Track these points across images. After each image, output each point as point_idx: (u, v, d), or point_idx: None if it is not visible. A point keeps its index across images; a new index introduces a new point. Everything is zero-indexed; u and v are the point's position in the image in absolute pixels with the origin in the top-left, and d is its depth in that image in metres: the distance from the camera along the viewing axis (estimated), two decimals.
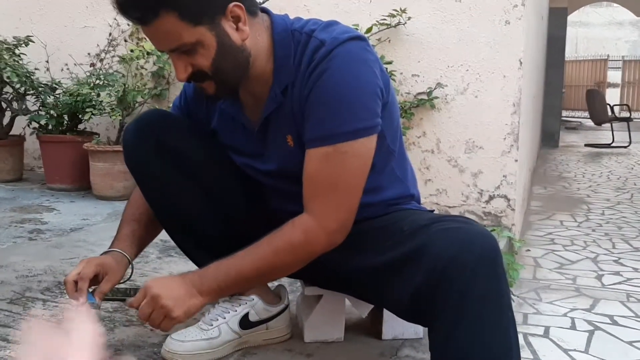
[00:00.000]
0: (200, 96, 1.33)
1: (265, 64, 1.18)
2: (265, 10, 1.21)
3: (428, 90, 2.86)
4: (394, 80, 2.89)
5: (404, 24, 2.86)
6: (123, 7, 1.06)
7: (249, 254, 1.16)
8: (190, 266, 1.84)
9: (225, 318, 1.37)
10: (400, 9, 2.83)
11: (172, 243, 1.49)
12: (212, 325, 1.36)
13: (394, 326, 1.48)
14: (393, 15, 2.84)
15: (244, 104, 1.27)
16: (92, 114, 3.16)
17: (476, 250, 1.00)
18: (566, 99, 13.27)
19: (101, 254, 1.40)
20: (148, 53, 3.24)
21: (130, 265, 1.41)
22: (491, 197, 2.82)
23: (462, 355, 1.00)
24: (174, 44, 1.09)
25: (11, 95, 3.45)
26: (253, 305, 1.39)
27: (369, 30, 2.87)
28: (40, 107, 3.39)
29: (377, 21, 2.87)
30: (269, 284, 1.47)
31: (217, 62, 1.11)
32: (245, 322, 1.39)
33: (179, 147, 1.30)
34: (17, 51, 3.43)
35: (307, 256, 1.17)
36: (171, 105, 1.46)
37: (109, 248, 1.40)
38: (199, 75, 1.13)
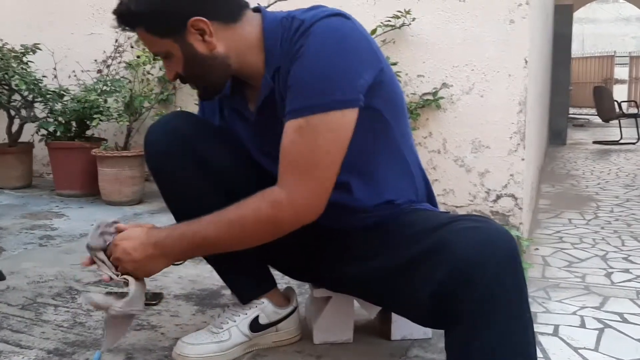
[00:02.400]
0: (214, 103, 1.41)
1: (256, 58, 1.22)
2: (258, 10, 1.26)
3: (434, 91, 2.86)
4: (399, 81, 2.90)
5: (408, 25, 2.87)
6: (116, 18, 1.21)
7: (215, 222, 1.17)
8: (201, 269, 1.86)
9: (235, 321, 1.38)
10: (405, 10, 2.83)
11: None
12: (222, 328, 1.37)
13: (403, 327, 1.49)
14: (397, 17, 2.84)
15: (248, 98, 1.31)
16: (100, 120, 3.19)
17: (498, 252, 0.99)
18: (573, 97, 13.22)
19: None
20: (154, 58, 3.26)
21: None
22: (498, 197, 2.82)
23: (484, 358, 1.00)
24: (152, 50, 1.23)
25: (20, 103, 3.48)
26: (263, 308, 1.40)
27: (373, 32, 2.87)
28: (49, 114, 3.41)
29: (382, 22, 2.88)
30: (279, 287, 1.48)
31: (187, 69, 1.22)
32: (255, 325, 1.40)
33: (206, 152, 1.31)
34: (25, 59, 3.46)
35: (274, 230, 1.16)
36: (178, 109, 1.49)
37: None
38: (181, 77, 1.24)
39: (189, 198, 1.32)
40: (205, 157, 1.31)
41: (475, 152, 2.84)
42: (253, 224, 1.15)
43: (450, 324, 1.04)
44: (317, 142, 1.11)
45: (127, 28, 1.22)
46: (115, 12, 1.21)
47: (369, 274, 1.22)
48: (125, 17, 1.20)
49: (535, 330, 2.19)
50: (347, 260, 1.25)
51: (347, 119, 1.11)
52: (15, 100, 3.50)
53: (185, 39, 1.18)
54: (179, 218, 1.37)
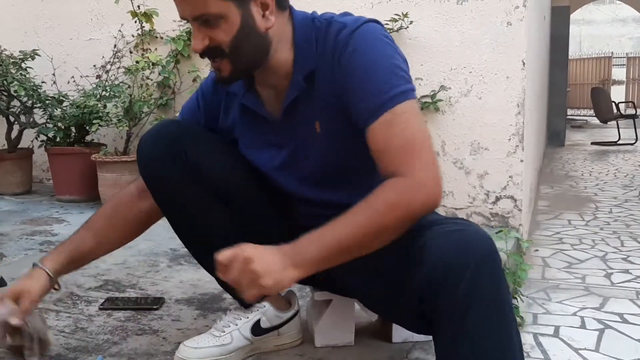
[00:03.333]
0: (218, 92, 1.34)
1: (287, 55, 1.19)
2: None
3: (432, 93, 2.87)
4: None
5: (406, 28, 2.88)
6: None
7: (346, 223, 1.05)
8: (201, 273, 1.85)
9: (237, 325, 1.38)
10: (402, 13, 2.84)
11: (182, 252, 1.50)
12: (224, 332, 1.38)
13: (404, 329, 1.49)
14: (395, 20, 2.85)
15: (264, 99, 1.27)
16: (99, 125, 3.19)
17: (475, 255, 0.99)
18: (571, 98, 13.24)
19: (32, 266, 1.39)
20: (153, 64, 3.27)
21: (49, 279, 1.35)
22: (498, 198, 2.82)
23: None
24: (199, 11, 1.10)
25: (19, 109, 3.49)
26: (264, 312, 1.41)
27: None
28: (48, 120, 3.42)
29: None
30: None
31: (236, 41, 1.12)
32: (256, 329, 1.40)
33: (201, 162, 1.28)
34: (23, 65, 3.46)
35: (410, 218, 1.06)
36: (181, 109, 1.44)
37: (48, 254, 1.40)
38: (215, 50, 1.14)
39: (182, 204, 1.31)
40: (197, 163, 1.27)
41: (474, 154, 2.85)
42: (388, 217, 1.04)
43: (434, 329, 1.05)
44: (411, 126, 1.09)
45: None
46: None
47: (359, 278, 1.22)
48: None
49: (535, 331, 2.21)
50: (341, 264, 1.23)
51: (417, 105, 1.15)
52: (15, 106, 3.50)
53: (248, 8, 1.12)
54: (176, 226, 1.37)
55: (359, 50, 1.12)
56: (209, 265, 1.39)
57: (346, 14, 1.22)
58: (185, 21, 1.17)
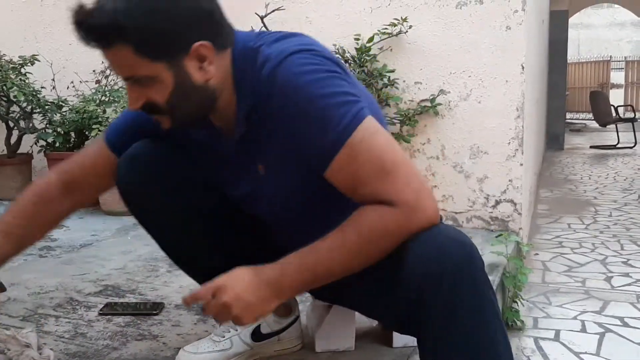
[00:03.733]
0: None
1: (230, 92, 1.10)
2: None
3: (431, 97, 2.87)
4: (396, 88, 2.91)
5: (405, 33, 2.88)
6: (79, 29, 1.00)
7: (336, 249, 1.00)
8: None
9: (237, 330, 1.38)
10: (402, 18, 2.85)
11: None
12: (224, 337, 1.37)
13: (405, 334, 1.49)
14: (394, 24, 2.85)
15: (220, 129, 1.18)
16: (99, 131, 3.19)
17: (452, 262, 0.96)
18: (570, 101, 13.25)
19: None
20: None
21: None
22: (498, 202, 2.82)
23: None
24: (128, 72, 1.04)
25: (18, 114, 3.49)
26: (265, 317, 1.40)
27: (370, 39, 2.89)
28: (47, 125, 3.42)
29: (379, 30, 2.89)
30: None
31: (172, 101, 1.05)
32: (257, 334, 1.40)
33: (181, 183, 1.27)
34: (23, 70, 3.46)
35: (401, 240, 1.00)
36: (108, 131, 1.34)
37: None
38: (152, 107, 1.07)
39: (166, 225, 1.31)
40: (177, 185, 1.26)
41: (474, 158, 2.85)
42: (380, 245, 1.00)
43: (417, 334, 1.04)
44: (376, 147, 1.00)
45: (95, 43, 1.01)
46: (85, 21, 0.99)
47: (342, 283, 1.22)
48: (104, 30, 0.99)
49: (536, 335, 2.20)
50: None
51: (373, 121, 1.03)
52: (14, 111, 3.50)
53: (182, 65, 1.03)
54: (161, 245, 1.37)
55: (286, 94, 1.02)
56: (197, 278, 1.41)
57: (280, 38, 1.09)
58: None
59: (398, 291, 1.03)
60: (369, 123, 1.02)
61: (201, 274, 1.38)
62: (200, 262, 1.35)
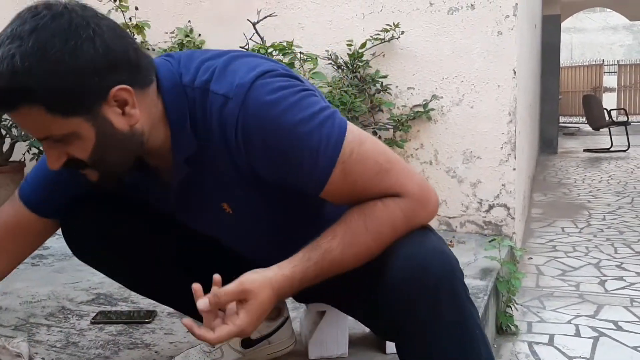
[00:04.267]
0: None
1: (163, 135, 1.01)
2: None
3: (424, 103, 2.87)
4: (389, 93, 2.92)
5: (397, 38, 2.89)
6: None
7: (349, 248, 0.97)
8: None
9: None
10: (394, 24, 2.86)
11: None
12: (214, 346, 1.36)
13: None
14: (386, 30, 2.86)
15: (154, 167, 1.09)
16: None
17: (434, 273, 0.94)
18: (563, 105, 13.31)
19: None
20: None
21: None
22: (491, 207, 2.83)
23: None
24: (42, 134, 0.93)
25: (10, 122, 3.47)
26: None
27: (363, 45, 2.89)
28: None
29: (371, 36, 2.90)
30: None
31: (96, 154, 0.96)
32: (246, 341, 1.39)
33: (133, 237, 1.25)
34: None
35: (407, 229, 1.00)
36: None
37: None
38: (76, 163, 0.98)
39: (131, 277, 1.35)
40: (128, 238, 1.25)
41: (467, 163, 2.85)
42: (387, 231, 0.98)
43: (398, 346, 1.03)
44: (368, 154, 0.98)
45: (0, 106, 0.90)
46: None
47: (329, 286, 1.22)
48: (4, 94, 0.88)
49: (530, 340, 2.20)
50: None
51: (355, 127, 1.01)
52: (6, 119, 3.49)
53: (101, 115, 0.93)
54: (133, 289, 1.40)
55: (265, 131, 0.95)
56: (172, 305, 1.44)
57: (223, 68, 1.00)
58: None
59: (381, 301, 1.01)
60: (352, 134, 0.99)
61: (177, 303, 1.41)
62: (173, 295, 1.36)
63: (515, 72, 2.76)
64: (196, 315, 0.96)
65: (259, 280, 0.95)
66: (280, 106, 0.95)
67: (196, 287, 0.94)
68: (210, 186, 1.07)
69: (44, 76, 0.87)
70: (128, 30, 3.30)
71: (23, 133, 3.44)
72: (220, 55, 1.03)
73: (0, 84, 0.87)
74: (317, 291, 1.15)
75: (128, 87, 0.93)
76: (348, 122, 1.01)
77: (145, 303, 1.89)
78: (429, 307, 0.95)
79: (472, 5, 2.80)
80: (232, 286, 0.93)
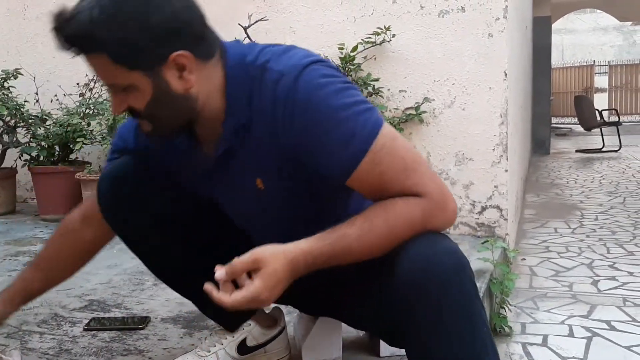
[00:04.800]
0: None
1: (218, 106, 1.10)
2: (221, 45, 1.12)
3: (416, 105, 2.88)
4: (381, 96, 2.92)
5: (388, 42, 2.90)
6: (57, 35, 1.01)
7: (366, 236, 1.01)
8: None
9: (222, 344, 1.37)
10: (385, 27, 2.86)
11: None
12: (209, 351, 1.36)
13: None
14: (378, 33, 2.87)
15: (200, 138, 1.17)
16: (84, 144, 3.17)
17: (443, 269, 0.96)
18: (555, 106, 13.37)
19: None
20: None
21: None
22: (484, 208, 2.83)
23: None
24: (108, 81, 1.06)
25: (2, 129, 3.46)
26: (250, 330, 1.40)
27: (354, 48, 2.90)
28: (31, 139, 3.39)
29: (362, 40, 2.90)
30: (265, 308, 1.48)
31: (150, 108, 1.06)
32: (242, 348, 1.39)
33: (160, 204, 1.26)
34: (6, 84, 3.44)
35: (424, 229, 1.03)
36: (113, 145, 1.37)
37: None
38: (133, 112, 1.09)
39: (148, 243, 1.31)
40: (158, 203, 1.26)
41: (459, 165, 2.86)
42: (405, 227, 1.01)
43: (405, 344, 1.04)
44: (398, 150, 1.04)
45: (75, 49, 1.02)
46: (63, 29, 1.00)
47: (337, 296, 1.21)
48: (80, 40, 1.01)
49: (524, 340, 2.20)
50: (321, 282, 1.20)
51: (390, 128, 1.07)
52: None
53: (160, 74, 1.03)
54: (146, 262, 1.37)
55: (310, 106, 1.02)
56: (184, 292, 1.41)
57: (285, 51, 1.10)
58: None
59: (387, 299, 1.03)
60: (387, 129, 1.05)
61: (189, 290, 1.38)
62: (187, 278, 1.34)
63: (506, 74, 2.77)
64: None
65: (271, 249, 1.00)
66: (327, 89, 1.03)
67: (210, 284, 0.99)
68: (249, 160, 1.13)
69: (115, 30, 0.98)
70: None
71: (14, 139, 3.43)
72: (281, 45, 1.14)
73: (78, 31, 0.99)
74: (324, 300, 1.16)
75: (188, 54, 1.03)
76: (385, 122, 1.06)
77: (139, 309, 1.88)
78: (438, 303, 0.96)
79: (462, 8, 2.81)
80: (245, 256, 0.99)
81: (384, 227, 1.01)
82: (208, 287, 0.99)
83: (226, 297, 0.97)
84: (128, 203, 1.26)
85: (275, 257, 0.98)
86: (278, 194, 1.15)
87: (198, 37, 1.05)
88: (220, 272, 0.98)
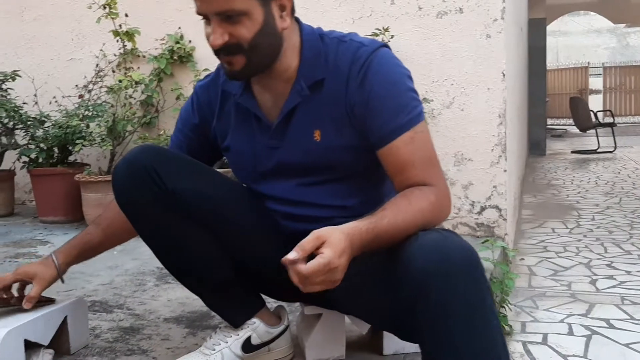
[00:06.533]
0: (210, 92, 1.37)
1: (292, 61, 1.23)
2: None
3: None
4: None
5: (387, 43, 2.91)
6: None
7: (400, 215, 1.10)
8: (188, 292, 1.83)
9: (227, 342, 1.38)
10: (383, 28, 2.88)
11: None
12: (214, 350, 1.37)
13: (395, 341, 1.49)
14: (376, 34, 2.88)
15: (261, 102, 1.29)
16: (83, 145, 3.17)
17: (455, 264, 1.00)
18: (550, 108, 13.41)
19: (40, 259, 1.51)
20: (136, 82, 3.26)
21: (57, 269, 1.45)
22: (483, 208, 2.85)
23: None
24: (224, 6, 1.12)
25: (0, 130, 3.46)
26: (254, 328, 1.40)
27: None
28: (30, 141, 3.39)
29: None
30: (269, 306, 1.48)
31: (256, 39, 1.15)
32: (247, 346, 1.39)
33: (178, 186, 1.25)
34: (4, 86, 3.44)
35: (440, 220, 1.18)
36: (178, 115, 1.46)
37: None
38: (233, 46, 1.15)
39: (159, 230, 1.29)
40: (173, 188, 1.24)
41: (458, 165, 2.87)
42: (427, 217, 1.13)
43: (419, 338, 1.06)
44: (427, 144, 1.21)
45: None
46: None
47: (348, 288, 1.22)
48: None
49: (524, 339, 2.21)
50: None
51: (426, 123, 1.25)
52: None
53: (269, 7, 1.16)
54: (155, 251, 1.35)
55: (382, 73, 1.20)
56: (193, 287, 1.40)
57: (356, 35, 1.27)
58: (201, 17, 1.17)
59: (402, 292, 1.05)
60: (425, 124, 1.23)
61: (207, 287, 1.37)
62: (196, 267, 1.33)
63: (504, 75, 2.78)
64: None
65: (327, 228, 1.05)
66: (398, 68, 1.22)
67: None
68: (312, 113, 1.25)
69: None
70: (118, 37, 3.30)
71: (13, 141, 3.43)
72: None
73: None
74: (336, 293, 1.17)
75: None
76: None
77: (141, 310, 1.89)
78: (452, 294, 0.99)
79: (460, 9, 2.83)
80: (308, 237, 1.04)
81: (410, 208, 1.12)
82: (286, 259, 1.00)
83: (302, 266, 1.00)
84: (137, 186, 1.25)
85: (333, 231, 1.04)
86: (331, 146, 1.25)
87: None
88: (293, 254, 1.00)
